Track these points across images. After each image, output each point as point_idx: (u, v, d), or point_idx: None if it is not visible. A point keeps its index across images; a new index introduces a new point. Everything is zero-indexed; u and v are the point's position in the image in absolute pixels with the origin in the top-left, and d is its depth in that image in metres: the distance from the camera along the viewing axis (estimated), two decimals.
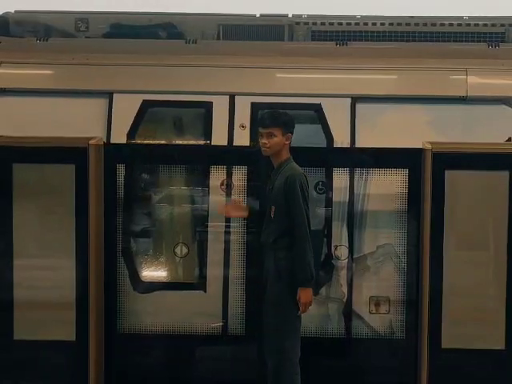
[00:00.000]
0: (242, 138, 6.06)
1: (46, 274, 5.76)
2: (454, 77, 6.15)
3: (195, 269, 6.07)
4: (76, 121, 6.11)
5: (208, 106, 6.12)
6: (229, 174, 5.99)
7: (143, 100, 6.11)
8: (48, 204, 5.73)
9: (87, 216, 5.63)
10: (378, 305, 5.89)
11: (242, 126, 6.07)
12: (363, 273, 5.92)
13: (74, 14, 6.94)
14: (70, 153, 5.69)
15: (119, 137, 6.08)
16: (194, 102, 6.16)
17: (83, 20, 6.81)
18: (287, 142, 5.25)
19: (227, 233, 5.94)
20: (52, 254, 5.75)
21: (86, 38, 6.85)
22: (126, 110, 6.12)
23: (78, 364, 5.66)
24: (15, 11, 7.04)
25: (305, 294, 4.99)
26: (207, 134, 6.14)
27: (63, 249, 5.70)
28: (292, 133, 5.30)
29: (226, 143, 6.09)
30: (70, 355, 5.68)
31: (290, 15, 6.86)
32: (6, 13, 7.01)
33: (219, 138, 6.09)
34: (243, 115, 6.08)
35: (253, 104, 6.07)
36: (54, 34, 6.84)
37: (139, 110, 6.11)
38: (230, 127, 6.08)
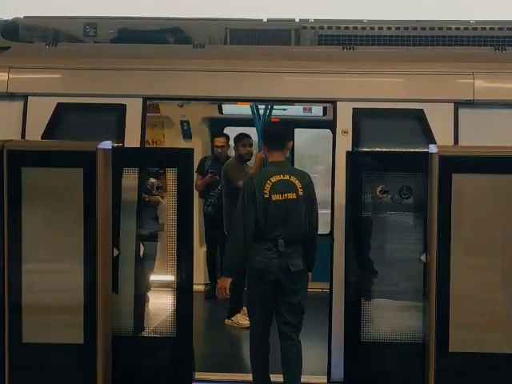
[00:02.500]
0: (344, 144, 6.09)
1: (54, 278, 5.79)
2: None
3: None
4: None
5: None
6: None
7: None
8: (56, 207, 5.76)
9: (95, 219, 5.65)
10: None
11: (344, 132, 6.10)
12: None
13: (82, 19, 6.99)
14: (78, 157, 5.73)
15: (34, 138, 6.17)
16: None
17: (92, 25, 6.86)
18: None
19: None
20: (60, 257, 5.77)
21: (95, 42, 6.91)
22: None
23: (86, 366, 5.68)
24: (24, 17, 7.09)
25: (220, 281, 5.83)
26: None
27: (71, 252, 5.72)
28: (263, 143, 6.06)
29: None
30: (77, 358, 5.70)
31: (297, 20, 6.88)
32: (16, 18, 7.06)
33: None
34: (345, 121, 6.12)
35: (354, 110, 6.10)
36: (63, 39, 6.89)
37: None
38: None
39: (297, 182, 5.62)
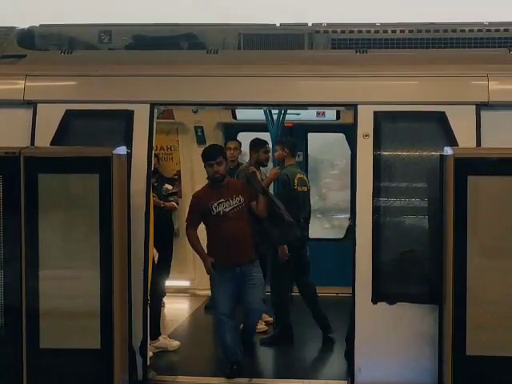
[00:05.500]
0: (366, 147, 6.08)
1: (71, 284, 5.81)
2: None
3: None
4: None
5: None
6: None
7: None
8: (72, 213, 5.80)
9: (111, 225, 5.69)
10: None
11: (365, 135, 6.11)
12: None
13: (97, 26, 7.03)
14: (93, 163, 5.77)
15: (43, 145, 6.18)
16: None
17: (106, 32, 6.90)
18: None
19: None
20: (76, 263, 5.81)
21: (110, 49, 6.95)
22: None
23: (103, 371, 5.70)
24: (40, 25, 7.15)
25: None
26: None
27: (88, 258, 5.76)
28: (288, 149, 7.93)
29: None
30: (94, 363, 5.72)
31: (310, 24, 6.88)
32: (32, 27, 7.12)
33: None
34: (366, 124, 6.10)
35: (376, 113, 6.10)
36: (78, 46, 6.94)
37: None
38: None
39: (306, 179, 7.94)
